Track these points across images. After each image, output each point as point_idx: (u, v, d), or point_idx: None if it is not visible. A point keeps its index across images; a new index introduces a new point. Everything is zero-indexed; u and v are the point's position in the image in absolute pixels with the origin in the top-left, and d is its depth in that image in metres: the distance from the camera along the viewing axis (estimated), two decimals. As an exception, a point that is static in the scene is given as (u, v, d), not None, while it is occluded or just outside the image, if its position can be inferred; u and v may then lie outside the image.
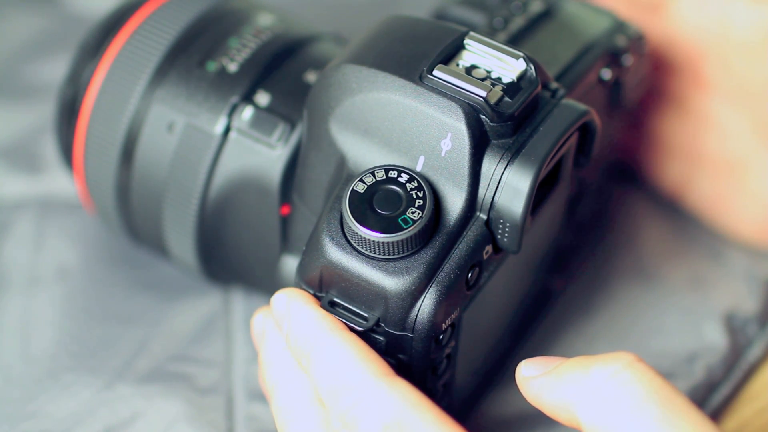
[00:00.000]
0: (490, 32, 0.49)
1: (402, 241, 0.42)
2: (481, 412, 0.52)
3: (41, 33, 0.68)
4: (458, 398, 0.49)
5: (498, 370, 0.53)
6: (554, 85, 0.46)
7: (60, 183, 0.60)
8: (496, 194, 0.43)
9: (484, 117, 0.43)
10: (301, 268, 0.44)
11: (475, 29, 0.47)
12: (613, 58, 0.51)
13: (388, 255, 0.42)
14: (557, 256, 0.54)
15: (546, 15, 0.51)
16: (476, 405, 0.52)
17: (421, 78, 0.44)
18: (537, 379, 0.41)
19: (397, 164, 0.44)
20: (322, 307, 0.43)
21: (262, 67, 0.50)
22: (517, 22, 0.50)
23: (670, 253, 0.59)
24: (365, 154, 0.44)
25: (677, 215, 0.60)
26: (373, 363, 0.41)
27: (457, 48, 0.45)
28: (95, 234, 0.59)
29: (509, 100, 0.44)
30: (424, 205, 0.42)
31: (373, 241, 0.42)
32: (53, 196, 0.60)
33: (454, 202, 0.43)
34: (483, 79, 0.44)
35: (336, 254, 0.43)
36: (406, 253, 0.42)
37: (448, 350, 0.45)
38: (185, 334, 0.55)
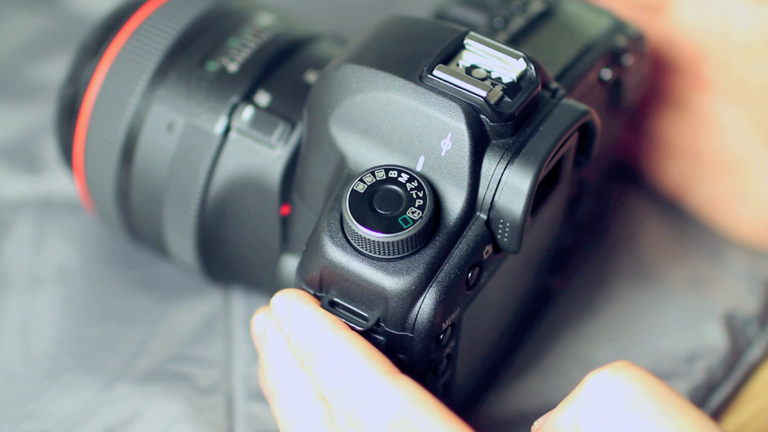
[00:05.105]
0: (490, 32, 0.49)
1: (402, 241, 0.42)
2: (481, 412, 0.52)
3: (41, 33, 0.68)
4: (458, 398, 0.49)
5: (498, 370, 0.53)
6: (554, 85, 0.46)
7: (60, 183, 0.60)
8: (497, 194, 0.43)
9: (484, 117, 0.43)
10: (301, 268, 0.44)
11: (475, 29, 0.47)
12: (613, 58, 0.51)
13: (388, 255, 0.42)
14: (557, 256, 0.54)
15: (546, 15, 0.51)
16: (476, 405, 0.52)
17: (421, 78, 0.44)
18: (544, 419, 0.42)
19: (397, 164, 0.44)
20: (323, 307, 0.43)
21: (262, 67, 0.50)
22: (517, 22, 0.50)
23: (670, 253, 0.59)
24: (365, 154, 0.44)
25: (677, 215, 0.60)
26: (377, 361, 0.41)
27: (457, 48, 0.45)
28: (95, 234, 0.59)
29: (509, 100, 0.44)
30: (424, 205, 0.42)
31: (374, 241, 0.42)
32: (53, 196, 0.60)
33: (454, 202, 0.43)
34: (483, 79, 0.44)
35: (336, 254, 0.43)
36: (406, 253, 0.42)
37: (448, 350, 0.45)
38: (185, 334, 0.55)
